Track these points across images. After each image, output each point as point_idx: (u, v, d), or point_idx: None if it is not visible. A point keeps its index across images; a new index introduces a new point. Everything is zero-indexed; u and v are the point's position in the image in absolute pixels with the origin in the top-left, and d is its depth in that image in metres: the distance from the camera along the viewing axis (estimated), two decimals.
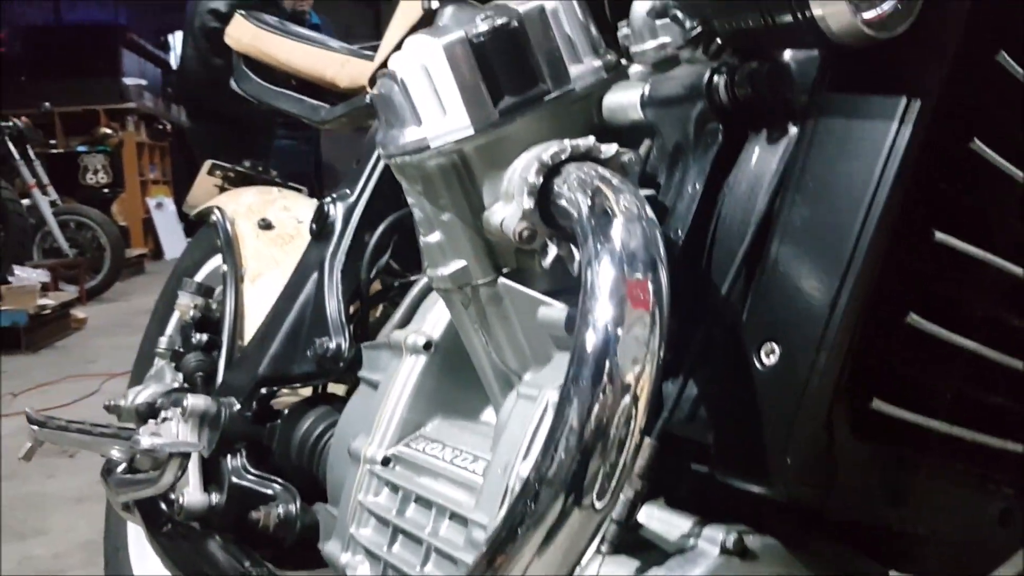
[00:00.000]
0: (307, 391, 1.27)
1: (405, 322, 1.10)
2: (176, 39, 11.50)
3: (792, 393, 0.60)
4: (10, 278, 5.56)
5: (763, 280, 0.63)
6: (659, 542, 0.68)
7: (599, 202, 0.64)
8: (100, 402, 1.58)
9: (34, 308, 5.20)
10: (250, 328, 1.44)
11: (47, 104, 8.26)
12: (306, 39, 1.65)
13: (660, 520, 0.70)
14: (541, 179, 0.72)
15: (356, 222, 1.24)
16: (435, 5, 0.89)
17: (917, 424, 0.63)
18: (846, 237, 0.59)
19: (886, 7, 0.54)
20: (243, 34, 1.71)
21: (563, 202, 0.69)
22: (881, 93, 0.58)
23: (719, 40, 0.65)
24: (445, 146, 0.77)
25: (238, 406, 1.21)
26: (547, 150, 0.72)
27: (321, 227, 1.26)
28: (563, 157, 0.72)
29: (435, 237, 0.83)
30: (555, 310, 0.77)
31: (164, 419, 1.25)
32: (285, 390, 1.26)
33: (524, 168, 0.74)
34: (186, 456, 1.13)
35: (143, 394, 1.48)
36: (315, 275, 1.24)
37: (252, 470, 1.17)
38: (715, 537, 0.65)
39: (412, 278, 1.22)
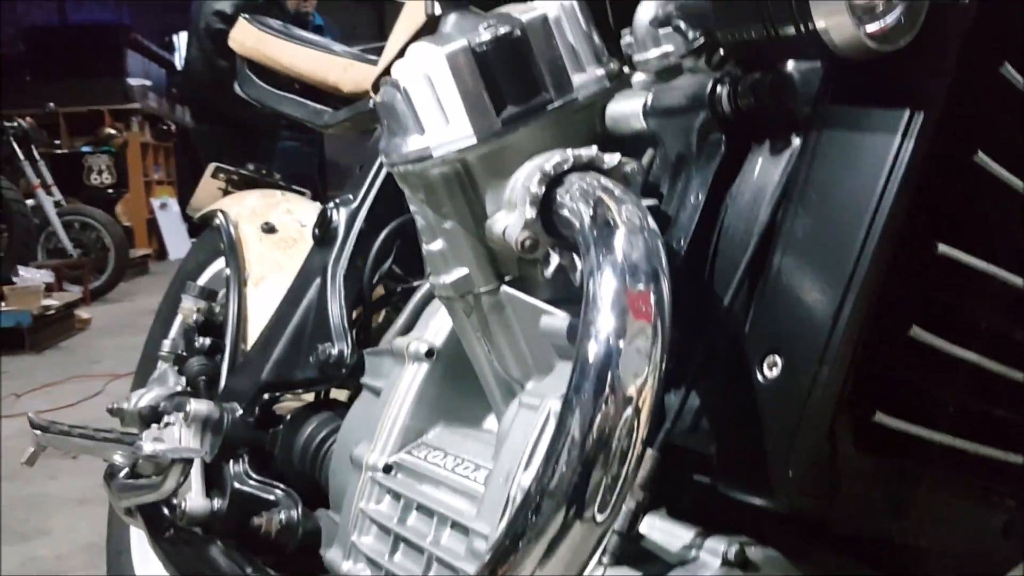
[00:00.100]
0: (310, 396, 1.27)
1: (407, 329, 1.10)
2: (181, 39, 11.52)
3: (794, 405, 0.60)
4: (14, 278, 5.57)
5: (766, 292, 0.63)
6: (661, 553, 0.68)
7: (601, 213, 0.64)
8: (104, 403, 1.59)
9: (38, 308, 5.21)
10: (253, 332, 1.44)
11: (51, 104, 8.28)
12: (309, 43, 1.65)
13: (662, 531, 0.70)
14: (543, 189, 0.72)
15: (359, 227, 1.24)
16: (438, 11, 0.89)
17: (920, 436, 0.63)
18: (849, 249, 0.58)
19: (889, 20, 0.54)
20: (246, 38, 1.71)
21: (565, 212, 0.69)
22: (884, 105, 0.57)
23: (722, 50, 0.65)
24: (448, 155, 0.77)
25: (241, 411, 1.20)
26: (550, 160, 0.72)
27: (324, 232, 1.26)
28: (566, 167, 0.72)
29: (437, 245, 0.83)
30: (557, 319, 0.77)
31: (167, 424, 1.25)
32: (288, 395, 1.26)
33: (527, 178, 0.74)
34: (188, 462, 1.13)
35: (146, 397, 1.48)
36: (318, 280, 1.23)
37: (254, 476, 1.17)
38: (717, 548, 0.65)
39: (415, 283, 1.22)
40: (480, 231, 0.80)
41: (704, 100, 0.67)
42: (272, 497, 1.15)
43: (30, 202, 6.47)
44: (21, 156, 6.68)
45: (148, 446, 1.11)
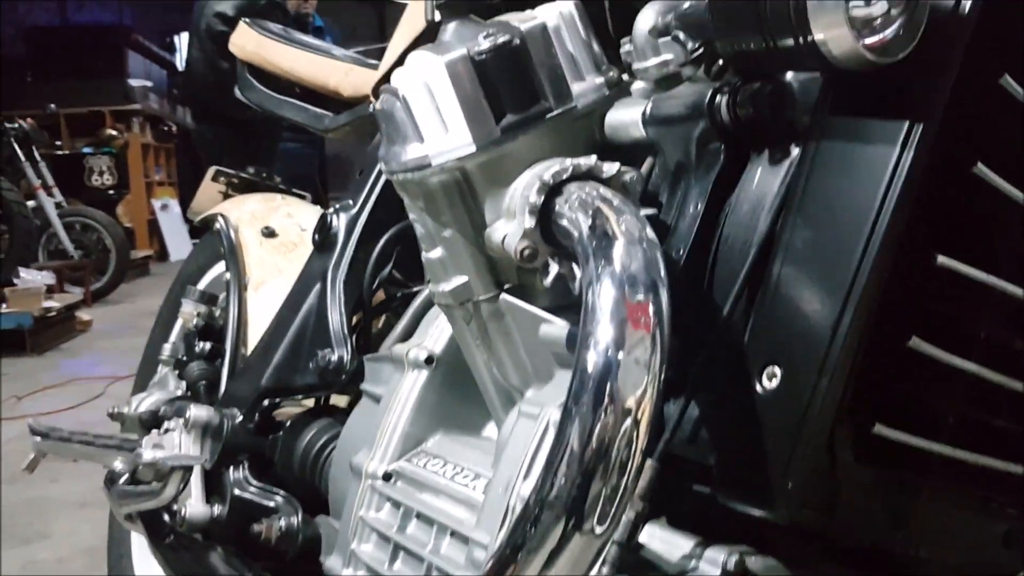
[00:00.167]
0: (310, 402, 1.27)
1: (407, 335, 1.10)
2: (182, 40, 11.52)
3: (794, 417, 0.60)
4: (15, 280, 5.57)
5: (765, 302, 0.63)
6: (661, 563, 0.68)
7: (600, 223, 0.64)
8: (105, 405, 1.59)
9: (39, 310, 5.21)
10: (253, 337, 1.44)
11: (52, 106, 8.28)
12: (310, 47, 1.65)
13: (662, 541, 0.69)
14: (542, 198, 0.72)
15: (359, 233, 1.24)
16: (438, 17, 0.89)
17: (919, 447, 0.63)
18: (848, 260, 0.58)
19: (888, 33, 0.53)
20: (247, 42, 1.71)
21: (564, 222, 0.69)
22: (883, 117, 0.57)
23: (721, 60, 0.65)
24: (447, 163, 0.77)
25: (240, 417, 1.20)
26: (549, 169, 0.72)
27: (324, 238, 1.26)
28: (564, 176, 0.72)
29: (437, 253, 0.83)
30: (556, 328, 0.77)
31: (167, 430, 1.25)
32: (288, 401, 1.26)
33: (526, 187, 0.74)
34: (188, 469, 1.13)
35: (146, 402, 1.48)
36: (318, 286, 1.23)
37: (254, 482, 1.17)
38: (717, 559, 0.65)
39: (415, 289, 1.22)
40: (479, 239, 0.80)
41: (703, 109, 0.67)
42: (272, 504, 1.15)
43: (31, 203, 6.48)
44: (22, 157, 6.69)
45: (148, 453, 1.11)
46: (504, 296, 0.81)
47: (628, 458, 0.58)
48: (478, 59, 0.76)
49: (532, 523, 0.58)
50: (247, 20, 1.76)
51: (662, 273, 0.61)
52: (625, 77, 0.81)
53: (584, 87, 0.78)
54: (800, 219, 0.62)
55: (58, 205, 6.99)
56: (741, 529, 0.67)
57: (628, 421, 0.58)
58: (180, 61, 11.60)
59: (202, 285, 1.82)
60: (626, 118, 0.76)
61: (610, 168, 0.73)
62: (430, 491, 0.88)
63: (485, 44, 0.75)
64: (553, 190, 0.72)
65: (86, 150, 9.14)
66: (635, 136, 0.75)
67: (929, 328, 0.61)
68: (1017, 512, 0.71)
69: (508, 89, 0.76)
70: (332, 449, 1.12)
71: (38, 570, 2.40)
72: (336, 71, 1.52)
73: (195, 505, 1.17)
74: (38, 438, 1.31)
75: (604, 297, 0.60)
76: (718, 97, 0.66)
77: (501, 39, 0.75)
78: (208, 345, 1.52)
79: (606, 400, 0.58)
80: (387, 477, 0.93)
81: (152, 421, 1.42)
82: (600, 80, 0.79)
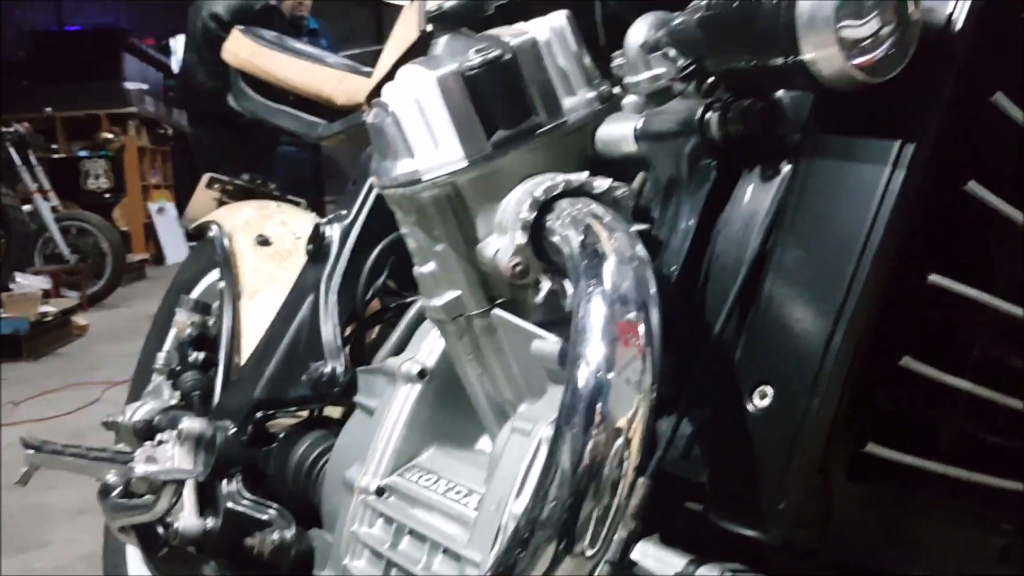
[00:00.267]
0: (304, 413, 1.27)
1: (400, 347, 1.09)
2: (177, 43, 11.51)
3: (785, 437, 0.59)
4: (11, 285, 5.56)
5: (756, 320, 0.62)
6: None
7: (591, 241, 0.64)
8: (102, 411, 1.59)
9: (35, 315, 5.20)
10: (248, 346, 1.44)
11: (48, 109, 8.27)
12: (303, 55, 1.64)
13: (655, 558, 0.69)
14: (534, 215, 0.71)
15: (352, 244, 1.23)
16: (430, 27, 0.89)
17: (913, 465, 0.63)
18: (840, 279, 0.58)
19: (878, 52, 0.53)
20: (240, 50, 1.70)
21: (555, 239, 0.69)
22: (875, 135, 0.57)
23: (712, 77, 0.65)
24: (438, 179, 0.77)
25: (234, 430, 1.20)
26: (540, 185, 0.72)
27: (317, 249, 1.25)
28: (556, 192, 0.72)
29: (429, 267, 0.83)
30: (548, 344, 0.77)
31: (160, 442, 1.25)
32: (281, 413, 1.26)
33: (517, 203, 0.73)
34: (181, 482, 1.13)
35: (141, 411, 1.47)
36: (311, 297, 1.23)
37: (247, 495, 1.17)
38: None
39: (409, 299, 1.22)
40: (471, 254, 0.79)
41: (694, 125, 0.66)
42: (265, 517, 1.14)
43: (27, 208, 6.47)
44: (18, 161, 6.68)
45: (140, 467, 1.10)
46: (496, 311, 0.81)
47: (620, 478, 0.58)
48: (469, 74, 0.75)
49: (523, 545, 0.58)
50: (240, 28, 1.75)
51: (653, 291, 0.61)
52: (617, 90, 0.81)
53: (575, 102, 0.78)
54: (792, 237, 0.61)
55: (54, 209, 6.98)
56: (734, 547, 0.67)
57: (619, 441, 0.58)
58: (176, 64, 11.58)
59: (196, 293, 1.81)
60: (617, 133, 0.76)
61: (601, 184, 0.73)
62: (423, 507, 0.88)
63: (476, 59, 0.75)
64: (544, 206, 0.72)
65: (82, 153, 9.13)
66: (627, 151, 0.75)
67: (922, 346, 0.60)
68: (1013, 527, 0.71)
69: (499, 104, 0.76)
70: (325, 462, 1.12)
71: None
72: (330, 79, 1.52)
73: (188, 518, 1.16)
74: (31, 451, 1.31)
75: (595, 316, 0.60)
76: (709, 113, 0.65)
77: (492, 54, 0.75)
78: (202, 355, 1.52)
79: (597, 420, 0.57)
80: (380, 492, 0.93)
81: (146, 431, 1.41)
82: (591, 94, 0.79)
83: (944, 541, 0.69)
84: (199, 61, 4.63)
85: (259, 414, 1.21)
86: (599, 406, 0.58)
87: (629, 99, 0.79)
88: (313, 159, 5.59)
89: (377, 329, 1.31)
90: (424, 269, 0.83)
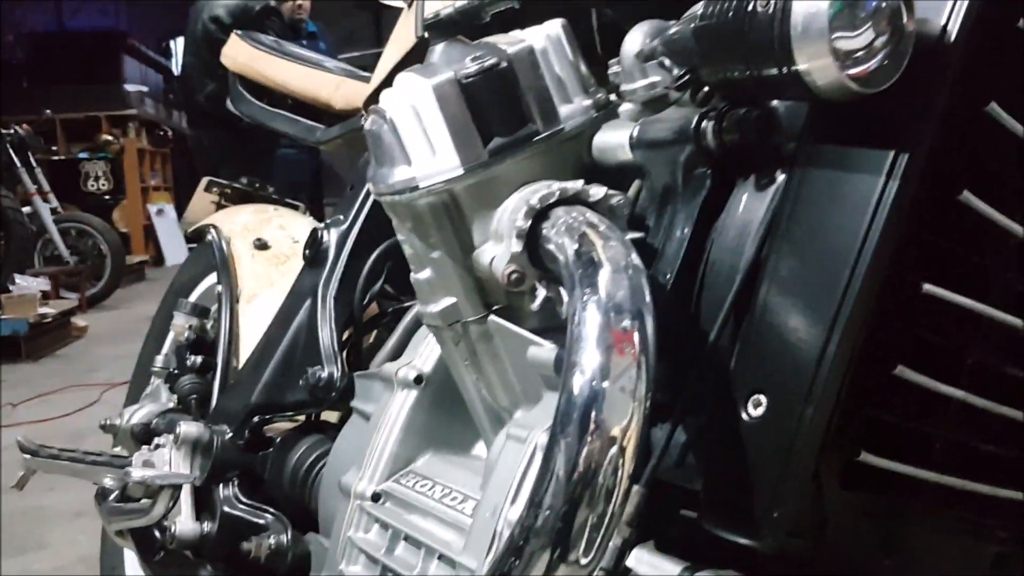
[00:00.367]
0: (301, 417, 1.27)
1: (397, 353, 1.09)
2: (178, 45, 11.52)
3: (779, 446, 0.60)
4: (11, 286, 5.57)
5: (751, 329, 0.62)
6: None
7: (586, 249, 0.64)
8: (101, 412, 1.59)
9: (35, 316, 5.21)
10: (245, 350, 1.44)
11: (48, 111, 8.28)
12: (301, 59, 1.65)
13: (649, 565, 0.69)
14: (529, 223, 0.71)
15: (349, 248, 1.24)
16: (427, 34, 0.89)
17: (907, 474, 0.63)
18: (834, 288, 0.58)
19: (872, 63, 0.53)
20: (238, 54, 1.71)
21: (551, 247, 0.69)
22: (869, 145, 0.57)
23: (707, 87, 0.65)
24: (435, 186, 0.77)
25: (230, 434, 1.20)
26: (536, 193, 0.72)
27: (314, 253, 1.26)
28: (551, 200, 0.72)
29: (425, 274, 0.83)
30: (544, 351, 0.77)
31: (157, 445, 1.25)
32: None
33: (513, 210, 0.73)
34: (178, 487, 1.13)
35: (138, 414, 1.47)
36: (308, 302, 1.23)
37: (244, 499, 1.17)
38: None
39: (406, 304, 1.22)
40: (468, 261, 0.79)
41: (689, 134, 0.67)
42: (262, 521, 1.15)
43: (27, 209, 6.47)
44: (18, 163, 6.69)
45: (137, 472, 1.10)
46: (492, 318, 0.81)
47: (614, 486, 0.58)
48: (465, 82, 0.75)
49: (517, 553, 0.58)
50: (239, 32, 1.75)
51: (647, 300, 0.61)
52: (613, 97, 0.81)
53: (572, 109, 0.78)
54: (787, 246, 0.61)
55: (54, 211, 6.99)
56: (729, 554, 0.67)
57: (614, 449, 0.58)
58: (176, 66, 11.60)
59: (194, 296, 1.82)
60: (613, 141, 0.76)
61: (597, 192, 0.73)
62: (418, 513, 0.88)
63: (472, 67, 0.75)
64: (540, 214, 0.72)
65: (82, 155, 9.14)
66: (622, 159, 0.75)
67: (916, 356, 0.60)
68: (1007, 535, 0.71)
69: (496, 112, 0.76)
70: (322, 466, 1.12)
71: None
72: (327, 84, 1.52)
73: (185, 522, 1.16)
74: (27, 455, 1.31)
75: (589, 325, 0.60)
76: (704, 122, 0.65)
77: (488, 62, 0.75)
78: (199, 359, 1.52)
79: (591, 429, 0.57)
80: (376, 498, 0.93)
81: (144, 434, 1.42)
82: (588, 102, 0.79)
83: (939, 549, 0.69)
84: (199, 63, 4.63)
85: (256, 418, 1.21)
86: (594, 414, 0.58)
87: (625, 107, 0.79)
88: (312, 162, 5.60)
89: (374, 333, 1.31)
90: (421, 276, 0.83)
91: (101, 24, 11.65)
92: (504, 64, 0.76)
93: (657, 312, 0.61)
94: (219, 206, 2.04)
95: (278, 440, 1.20)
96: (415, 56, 1.10)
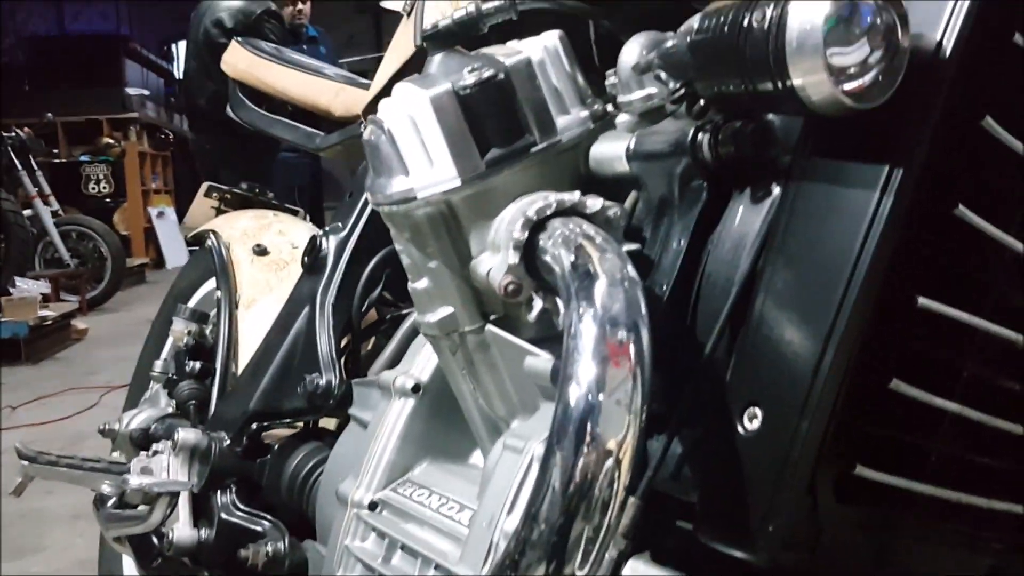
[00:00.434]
0: (299, 424, 1.27)
1: (395, 360, 1.09)
2: (180, 49, 11.53)
3: (775, 459, 0.60)
4: (11, 289, 5.57)
5: (746, 342, 0.63)
6: None
7: (582, 262, 0.64)
8: (100, 415, 1.58)
9: (35, 319, 5.22)
10: (244, 356, 1.44)
11: (50, 114, 8.29)
12: (301, 66, 1.65)
13: None
14: (526, 234, 0.71)
15: (348, 256, 1.24)
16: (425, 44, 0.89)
17: (902, 487, 0.63)
18: (829, 302, 0.58)
19: (867, 79, 0.53)
20: (238, 61, 1.71)
21: (547, 258, 0.69)
22: (864, 160, 0.57)
23: (703, 101, 0.65)
24: (432, 196, 0.77)
25: (228, 441, 1.20)
26: (533, 204, 0.72)
27: (313, 261, 1.26)
28: (548, 212, 0.72)
29: (423, 283, 0.83)
30: (541, 361, 0.77)
31: (155, 452, 1.25)
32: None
33: (510, 222, 0.73)
34: (175, 494, 1.13)
35: (137, 419, 1.48)
36: (307, 309, 1.23)
37: (241, 506, 1.17)
38: None
39: (404, 311, 1.22)
40: (465, 271, 0.80)
41: (685, 147, 0.67)
42: (259, 528, 1.15)
43: (27, 212, 6.48)
44: (19, 166, 6.69)
45: (135, 480, 1.10)
46: (490, 327, 0.81)
47: (610, 498, 0.58)
48: (463, 93, 0.76)
49: (513, 567, 0.58)
50: (239, 39, 1.76)
51: (643, 312, 0.61)
52: (610, 108, 0.81)
53: (569, 120, 0.78)
54: (782, 259, 0.62)
55: (55, 214, 7.00)
56: (725, 565, 0.67)
57: (610, 461, 0.58)
58: (178, 70, 11.61)
59: (193, 302, 1.82)
60: (610, 152, 0.76)
61: (594, 203, 0.73)
62: (415, 522, 0.88)
63: (470, 79, 0.75)
64: (537, 226, 0.72)
65: (83, 158, 9.15)
66: (619, 170, 0.75)
67: (911, 369, 0.60)
68: (1003, 547, 0.71)
69: (493, 123, 0.76)
70: (319, 474, 1.12)
71: None
72: (327, 91, 1.52)
73: (183, 529, 1.16)
74: (25, 462, 1.31)
75: (585, 337, 0.60)
76: (700, 135, 0.65)
77: (486, 74, 0.75)
78: (198, 364, 1.52)
79: (587, 441, 0.58)
80: (373, 506, 0.93)
81: (142, 439, 1.42)
82: (585, 113, 0.79)
83: (934, 562, 0.69)
84: (201, 68, 4.64)
85: (254, 425, 1.21)
86: (590, 427, 0.58)
87: (622, 118, 0.79)
88: (313, 165, 5.60)
89: (372, 339, 1.31)
90: (418, 285, 0.83)
91: (102, 27, 11.67)
92: (501, 76, 0.76)
93: (653, 324, 0.61)
94: (219, 211, 2.04)
95: (276, 447, 1.20)
96: (414, 64, 1.10)
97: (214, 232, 1.71)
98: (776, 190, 0.64)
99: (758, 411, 0.61)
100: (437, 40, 0.83)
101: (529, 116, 0.76)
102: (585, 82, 0.81)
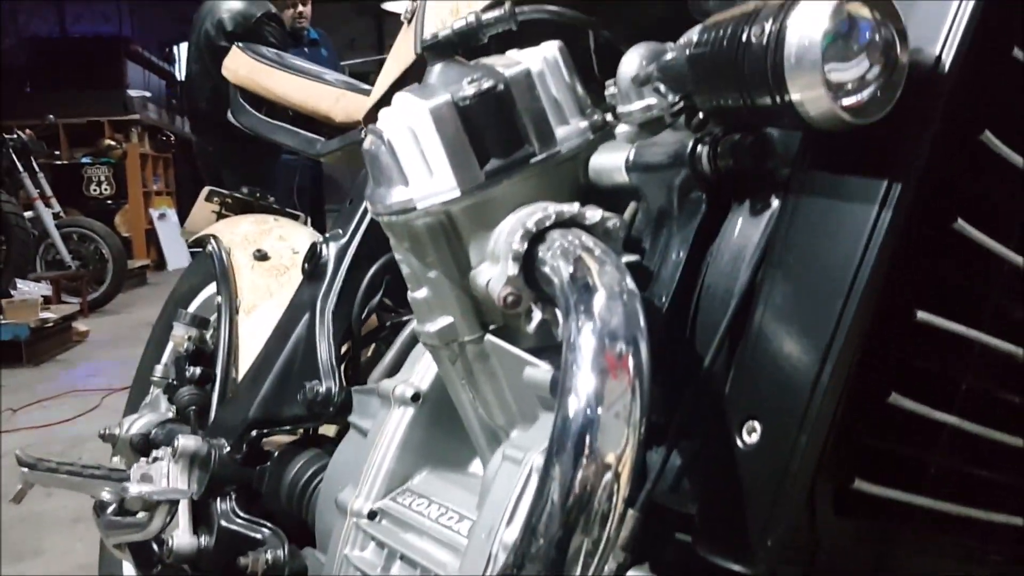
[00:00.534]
0: (299, 431, 1.27)
1: (395, 368, 1.09)
2: (181, 51, 11.54)
3: (773, 473, 0.60)
4: (12, 291, 5.57)
5: (745, 355, 0.63)
6: None
7: (581, 274, 0.64)
8: (101, 417, 1.58)
9: (36, 321, 5.22)
10: (244, 361, 1.44)
11: (51, 116, 8.30)
12: (302, 72, 1.65)
13: None
14: (526, 245, 0.71)
15: (348, 262, 1.24)
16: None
17: (900, 500, 0.63)
18: (828, 315, 0.58)
19: (865, 94, 0.53)
20: (239, 67, 1.71)
21: (547, 270, 0.69)
22: (863, 174, 0.57)
23: (702, 113, 0.65)
24: (432, 207, 0.77)
25: (228, 448, 1.20)
26: (532, 216, 0.72)
27: (313, 267, 1.26)
28: (548, 223, 0.72)
29: (422, 293, 0.83)
30: (540, 371, 0.77)
31: (155, 458, 1.25)
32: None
33: (509, 233, 0.73)
34: (175, 502, 1.13)
35: (137, 425, 1.48)
36: (307, 316, 1.23)
37: (241, 514, 1.17)
38: None
39: (404, 318, 1.22)
40: (464, 281, 0.80)
41: (684, 159, 0.67)
42: (259, 536, 1.15)
43: (29, 214, 6.48)
44: (20, 168, 6.70)
45: (135, 488, 1.10)
46: (489, 337, 0.81)
47: (609, 511, 0.58)
48: (462, 104, 0.76)
49: None
50: (240, 44, 1.76)
51: (642, 324, 0.61)
52: (609, 118, 0.81)
53: (568, 131, 0.78)
54: (781, 272, 0.62)
55: (56, 215, 7.00)
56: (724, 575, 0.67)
57: (609, 474, 0.58)
58: (179, 72, 11.62)
59: (194, 306, 1.82)
60: (610, 163, 0.76)
61: (593, 215, 0.73)
62: (414, 532, 0.88)
63: (470, 90, 0.75)
64: (536, 237, 0.72)
65: (85, 160, 9.16)
66: (618, 181, 0.75)
67: (909, 382, 0.60)
68: (1002, 560, 0.71)
69: (492, 134, 0.76)
70: (319, 482, 1.12)
71: None
72: (327, 97, 1.52)
73: (182, 536, 1.17)
74: (25, 469, 1.31)
75: (584, 350, 0.60)
76: (699, 147, 0.65)
77: (485, 85, 0.75)
78: (198, 370, 1.52)
79: (586, 454, 0.58)
80: (372, 516, 0.93)
81: (142, 445, 1.42)
82: (584, 124, 0.79)
83: (933, 574, 0.69)
84: (202, 69, 4.64)
85: (254, 432, 1.21)
86: (588, 440, 0.58)
87: (622, 128, 0.79)
88: (314, 168, 5.60)
89: (372, 346, 1.31)
90: (418, 295, 0.84)
91: (104, 29, 11.67)
92: (501, 87, 0.76)
93: (652, 336, 0.61)
94: (219, 216, 2.04)
95: (276, 454, 1.20)
96: (414, 72, 1.10)
97: (215, 237, 1.72)
98: (775, 203, 0.64)
99: (757, 424, 0.61)
100: (437, 50, 0.83)
101: (528, 127, 0.76)
102: (584, 92, 0.81)
